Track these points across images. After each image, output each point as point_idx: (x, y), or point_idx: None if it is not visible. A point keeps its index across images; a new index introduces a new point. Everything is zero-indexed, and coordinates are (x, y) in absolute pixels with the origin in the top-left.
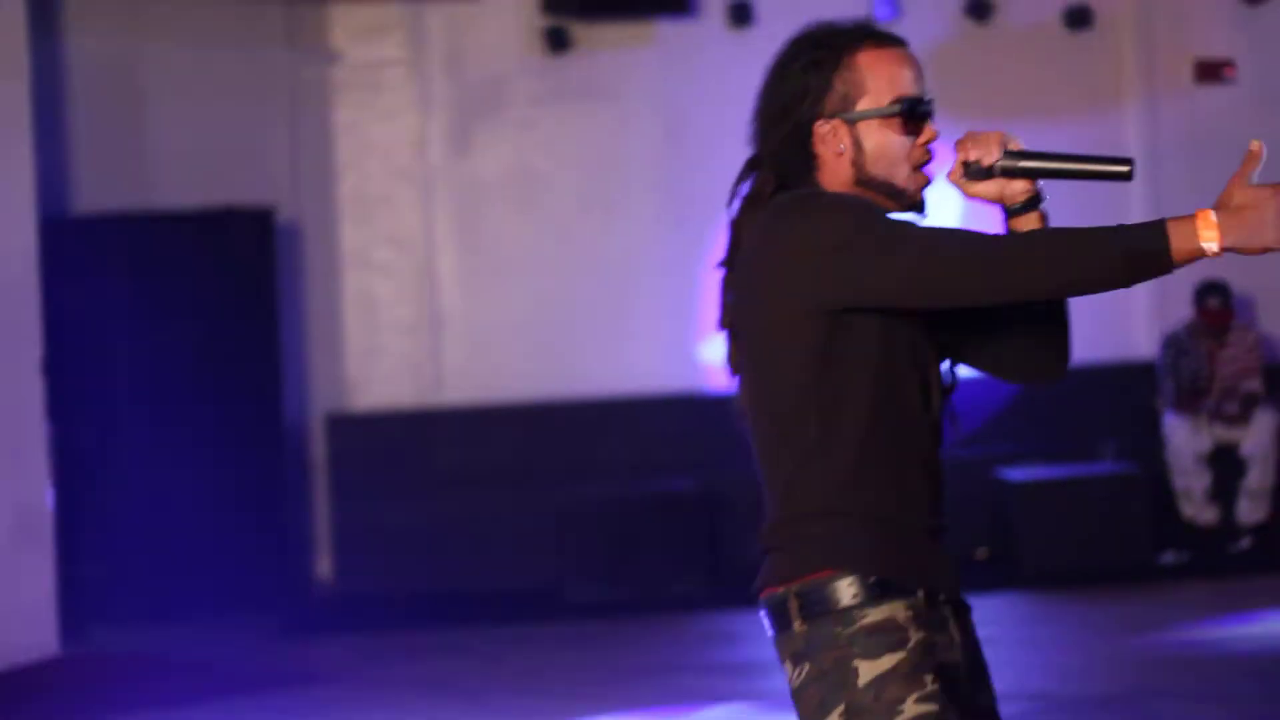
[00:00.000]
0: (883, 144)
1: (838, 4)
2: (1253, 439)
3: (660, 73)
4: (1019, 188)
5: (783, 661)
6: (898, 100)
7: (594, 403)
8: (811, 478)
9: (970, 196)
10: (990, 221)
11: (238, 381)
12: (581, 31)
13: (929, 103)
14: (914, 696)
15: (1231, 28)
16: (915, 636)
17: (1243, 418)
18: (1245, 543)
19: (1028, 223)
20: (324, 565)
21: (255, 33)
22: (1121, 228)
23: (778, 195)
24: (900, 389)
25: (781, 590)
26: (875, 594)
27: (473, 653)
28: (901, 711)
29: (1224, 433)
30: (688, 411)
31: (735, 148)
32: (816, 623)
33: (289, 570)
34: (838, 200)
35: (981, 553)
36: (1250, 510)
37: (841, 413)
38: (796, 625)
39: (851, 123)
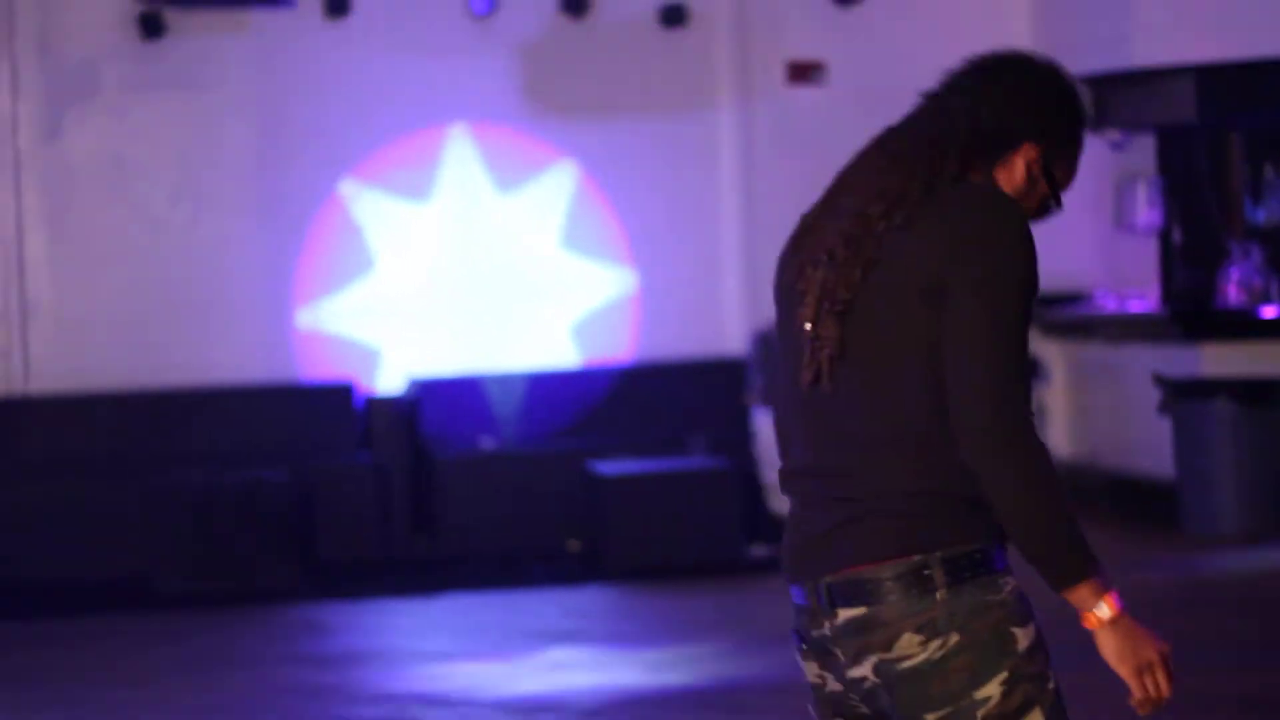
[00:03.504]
0: (1031, 205)
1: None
2: None
3: (255, 62)
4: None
5: (896, 634)
6: (1061, 192)
7: (185, 392)
8: (937, 459)
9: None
10: None
11: None
12: (176, 18)
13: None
14: (1048, 662)
15: (824, 29)
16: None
17: None
18: None
19: None
20: None
21: None
22: (1074, 545)
23: (980, 186)
24: None
25: (918, 558)
26: (1007, 563)
27: (58, 644)
28: (1049, 679)
29: None
30: (279, 402)
31: (329, 137)
32: (963, 590)
33: None
34: (1029, 254)
35: (572, 545)
36: None
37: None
38: (939, 594)
39: (1044, 160)
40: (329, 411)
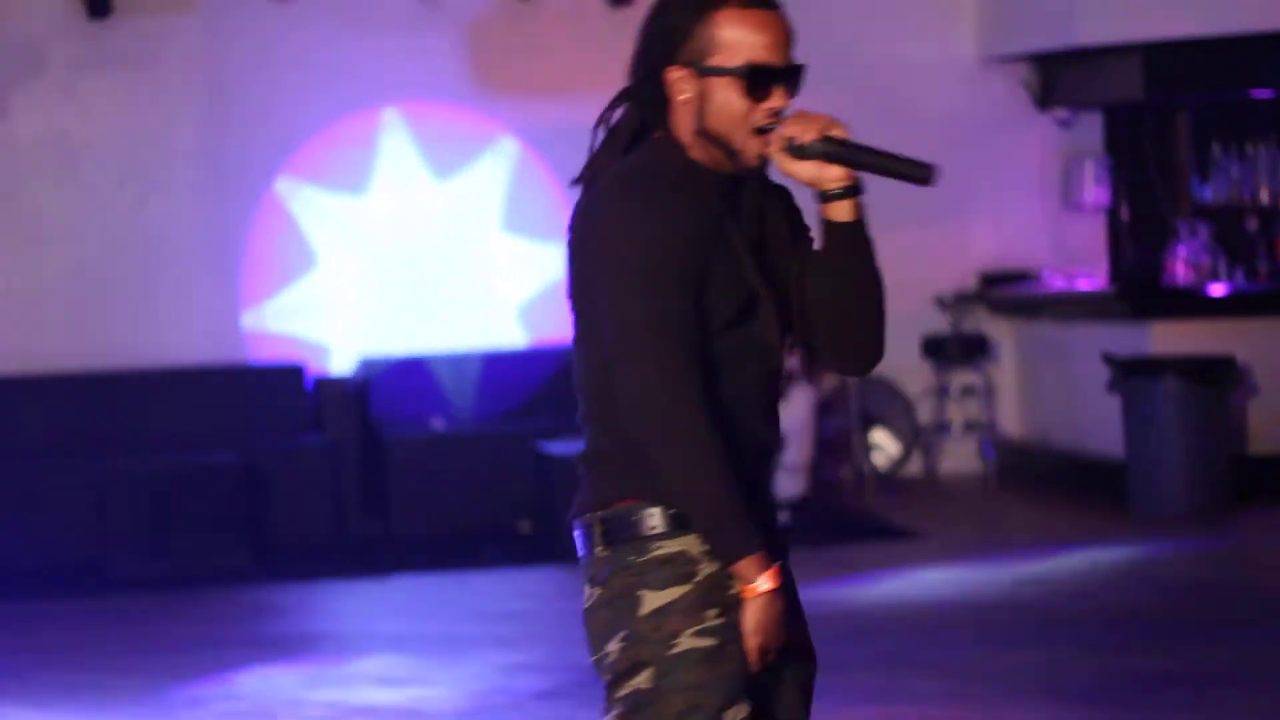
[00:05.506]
0: (726, 102)
1: None
2: (790, 414)
3: (202, 41)
4: (834, 174)
5: (584, 583)
6: (746, 67)
7: (134, 374)
8: (616, 412)
9: (787, 174)
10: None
11: None
12: None
13: (784, 71)
14: (691, 630)
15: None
16: (705, 571)
17: (779, 393)
18: (783, 517)
19: (840, 210)
20: None
21: None
22: (735, 517)
23: (620, 168)
24: (722, 355)
25: (589, 515)
26: (674, 526)
27: (10, 628)
28: (677, 644)
29: None
30: (228, 384)
31: (276, 117)
32: (616, 549)
33: None
34: (636, 231)
35: (523, 526)
36: (787, 485)
37: None
38: (599, 550)
39: (701, 74)
40: (279, 393)
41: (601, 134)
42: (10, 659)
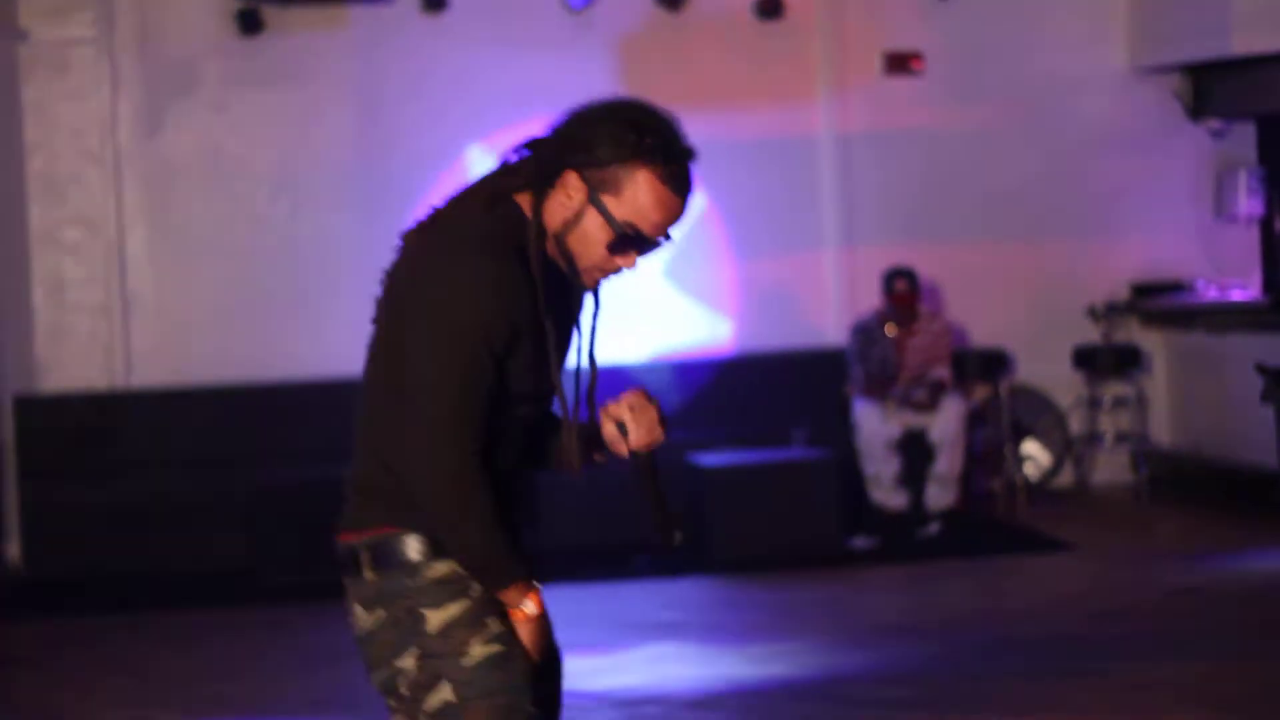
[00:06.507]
0: (591, 236)
1: None
2: (941, 425)
3: (353, 57)
4: (623, 452)
5: (351, 604)
6: (626, 225)
7: (285, 386)
8: (395, 446)
9: (606, 437)
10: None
11: None
12: (273, 14)
13: (652, 242)
14: (478, 639)
15: (920, 20)
16: (477, 587)
17: (931, 404)
18: (934, 528)
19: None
20: (13, 549)
21: None
22: (505, 556)
23: (482, 227)
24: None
25: (354, 540)
26: (437, 550)
27: (167, 636)
28: (468, 653)
29: (913, 419)
30: None
31: (428, 132)
32: (387, 574)
33: None
34: (474, 296)
35: (676, 537)
36: (938, 496)
37: None
38: (368, 574)
39: (589, 200)
40: None
41: (496, 167)
42: (165, 669)
